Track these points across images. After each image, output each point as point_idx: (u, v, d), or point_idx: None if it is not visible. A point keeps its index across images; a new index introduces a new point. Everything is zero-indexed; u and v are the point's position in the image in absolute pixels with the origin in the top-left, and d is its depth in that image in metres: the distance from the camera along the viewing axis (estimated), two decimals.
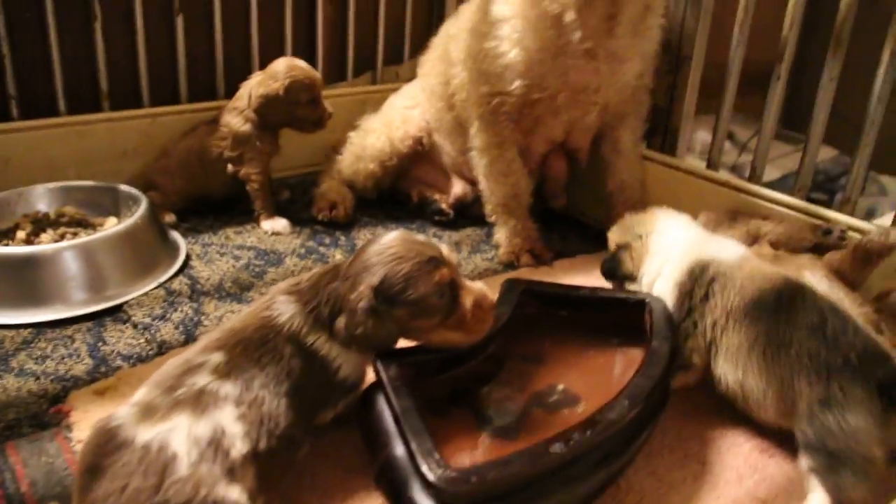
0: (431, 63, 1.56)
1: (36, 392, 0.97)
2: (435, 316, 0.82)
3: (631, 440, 0.82)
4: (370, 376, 0.86)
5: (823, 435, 0.81)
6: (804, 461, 0.82)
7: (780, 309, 0.91)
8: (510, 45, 1.27)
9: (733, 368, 0.92)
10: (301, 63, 1.48)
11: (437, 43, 1.57)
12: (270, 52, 1.73)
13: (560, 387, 0.92)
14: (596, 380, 0.95)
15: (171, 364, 0.78)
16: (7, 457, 0.84)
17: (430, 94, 1.56)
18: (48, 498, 0.79)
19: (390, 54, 1.99)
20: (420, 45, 1.99)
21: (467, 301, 0.83)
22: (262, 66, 1.58)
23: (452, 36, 1.46)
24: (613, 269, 1.10)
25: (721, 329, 0.94)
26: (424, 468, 0.67)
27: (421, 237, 0.84)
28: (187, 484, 0.67)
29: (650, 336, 0.93)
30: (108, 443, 0.69)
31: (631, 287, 1.08)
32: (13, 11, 1.43)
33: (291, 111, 1.47)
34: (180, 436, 0.69)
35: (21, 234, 1.29)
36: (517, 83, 1.30)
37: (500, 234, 1.43)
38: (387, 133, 1.60)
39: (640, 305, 0.99)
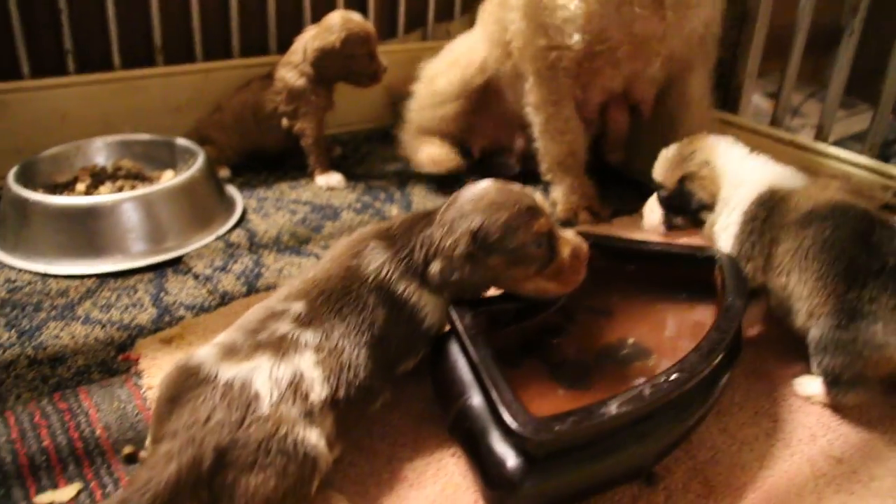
0: (491, 8, 1.50)
1: (103, 340, 0.97)
2: (531, 265, 0.81)
3: (705, 395, 0.81)
4: None
5: (842, 338, 0.85)
6: (814, 359, 0.88)
7: (829, 216, 0.92)
8: None
9: (783, 275, 0.94)
10: (356, 16, 1.46)
11: None
12: (322, 7, 1.71)
13: (630, 340, 0.90)
14: (666, 334, 0.93)
15: (254, 310, 0.79)
16: (80, 401, 0.85)
17: (489, 40, 1.50)
18: (122, 442, 0.79)
19: (441, 11, 1.95)
20: (471, 2, 1.96)
21: (564, 251, 0.82)
22: (314, 20, 1.57)
23: None
24: (685, 202, 1.04)
25: (777, 242, 0.96)
26: (507, 417, 0.66)
27: (515, 186, 0.83)
28: (268, 422, 0.67)
29: (721, 292, 0.91)
30: (189, 377, 0.70)
31: (706, 217, 1.03)
32: None
33: (347, 65, 1.45)
34: (262, 376, 0.70)
35: (80, 187, 1.30)
36: (577, 37, 1.25)
37: (557, 192, 1.40)
38: (455, 71, 1.54)
39: (709, 261, 0.96)
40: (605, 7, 1.21)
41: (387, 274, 0.80)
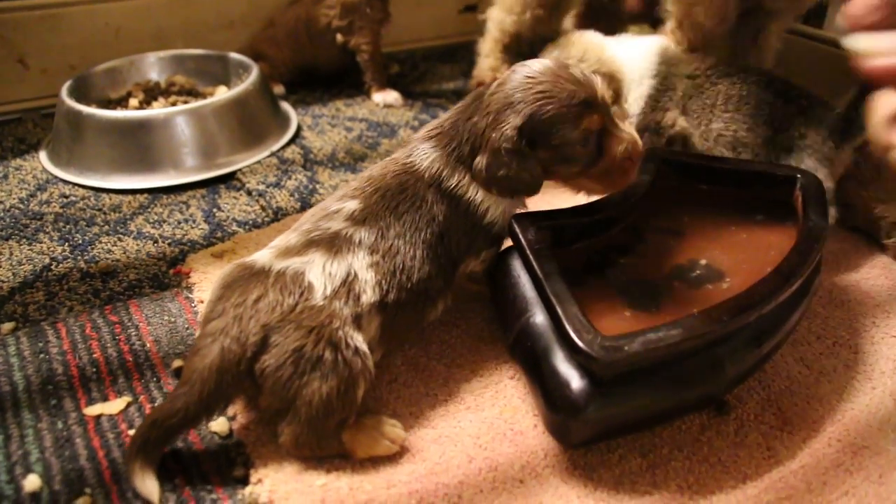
0: None
1: (155, 254, 0.96)
2: (577, 164, 0.75)
3: (782, 322, 0.75)
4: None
5: None
6: None
7: (734, 72, 1.02)
8: None
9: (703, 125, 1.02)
10: None
11: None
12: None
13: (702, 261, 0.84)
14: (740, 256, 0.87)
15: (310, 211, 0.76)
16: (131, 314, 0.83)
17: None
18: (172, 356, 0.78)
19: None
20: None
21: (615, 149, 0.76)
22: None
23: None
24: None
25: (688, 95, 1.04)
26: (573, 335, 0.61)
27: (577, 70, 0.75)
28: (322, 313, 0.64)
29: (802, 213, 0.84)
30: (243, 271, 0.68)
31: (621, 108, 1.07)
32: None
33: None
34: (316, 269, 0.67)
35: (134, 102, 1.27)
36: None
37: None
38: None
39: (788, 181, 0.90)
40: None
41: (439, 170, 0.75)
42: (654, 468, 0.67)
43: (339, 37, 1.43)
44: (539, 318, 0.70)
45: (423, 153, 0.76)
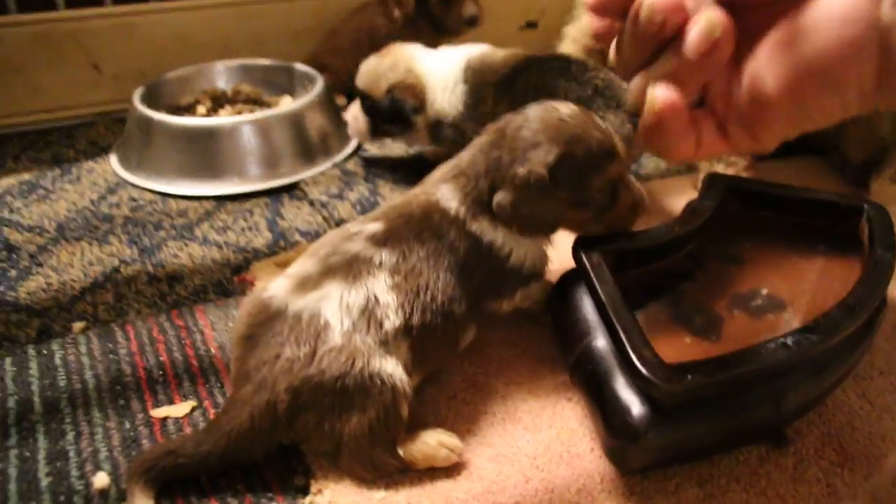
0: None
1: (220, 261, 0.98)
2: (591, 210, 0.74)
3: (846, 356, 0.74)
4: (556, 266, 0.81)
5: None
6: None
7: (530, 66, 1.07)
8: None
9: None
10: None
11: None
12: None
13: (764, 291, 0.84)
14: (802, 286, 0.86)
15: (329, 234, 0.75)
16: (196, 320, 0.86)
17: None
18: None
19: None
20: None
21: (627, 200, 0.75)
22: None
23: None
24: (397, 109, 1.11)
25: (497, 102, 1.07)
26: (637, 362, 0.61)
27: (597, 119, 0.75)
28: (341, 354, 0.64)
29: (868, 245, 0.83)
30: (260, 313, 0.68)
31: (417, 119, 1.12)
32: None
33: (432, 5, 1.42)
34: (332, 304, 0.66)
35: (201, 110, 1.30)
36: None
37: None
38: None
39: (854, 211, 0.88)
40: None
41: (460, 212, 0.74)
42: (710, 499, 0.66)
43: None
44: (601, 342, 0.70)
45: (444, 193, 0.75)
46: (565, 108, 0.73)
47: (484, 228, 0.74)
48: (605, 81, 1.01)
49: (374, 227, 0.72)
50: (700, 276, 0.86)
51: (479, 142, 0.77)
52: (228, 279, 0.94)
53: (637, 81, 0.48)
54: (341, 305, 0.66)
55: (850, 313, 0.71)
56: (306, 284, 0.68)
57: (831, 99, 0.43)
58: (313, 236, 1.03)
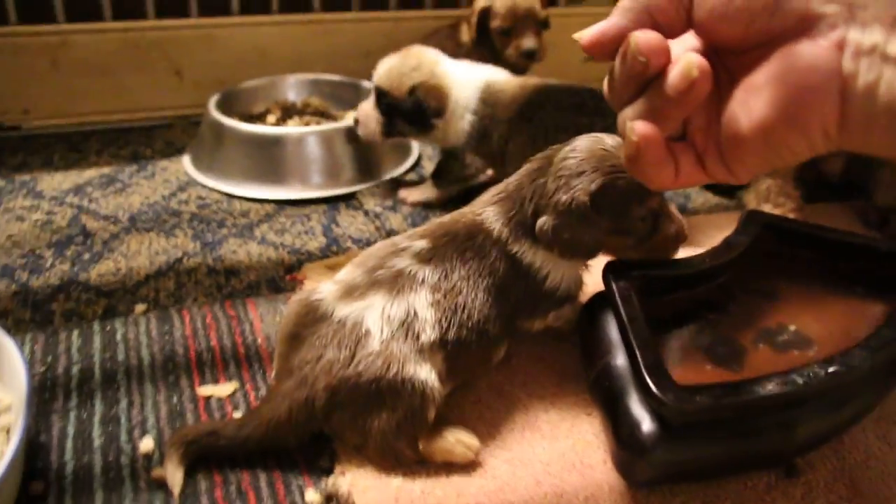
0: None
1: (274, 260, 1.04)
2: (631, 238, 0.78)
3: (864, 394, 0.76)
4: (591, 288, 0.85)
5: None
6: None
7: (545, 102, 1.11)
8: None
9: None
10: None
11: None
12: None
13: (792, 327, 0.85)
14: (832, 326, 0.87)
15: (378, 246, 0.80)
16: (247, 311, 0.92)
17: None
18: None
19: None
20: None
21: (668, 230, 0.78)
22: None
23: None
24: (418, 110, 1.11)
25: (506, 139, 1.12)
26: (648, 379, 0.65)
27: None
28: (378, 359, 0.69)
29: None
30: (308, 314, 0.73)
31: (437, 123, 1.13)
32: None
33: (498, 36, 1.46)
34: (374, 314, 0.71)
35: (271, 119, 1.38)
36: None
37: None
38: None
39: (893, 255, 0.90)
40: None
41: (503, 234, 0.78)
42: None
43: None
44: (620, 360, 0.73)
45: (489, 215, 0.79)
46: (610, 140, 0.77)
47: (525, 250, 0.78)
48: None
49: (421, 244, 0.77)
50: (730, 308, 0.88)
51: (527, 168, 0.81)
52: (281, 277, 1.00)
53: (623, 115, 0.53)
54: (383, 316, 0.71)
55: (868, 352, 0.73)
56: (353, 293, 0.74)
57: (798, 140, 0.47)
58: (364, 244, 1.09)
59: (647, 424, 0.67)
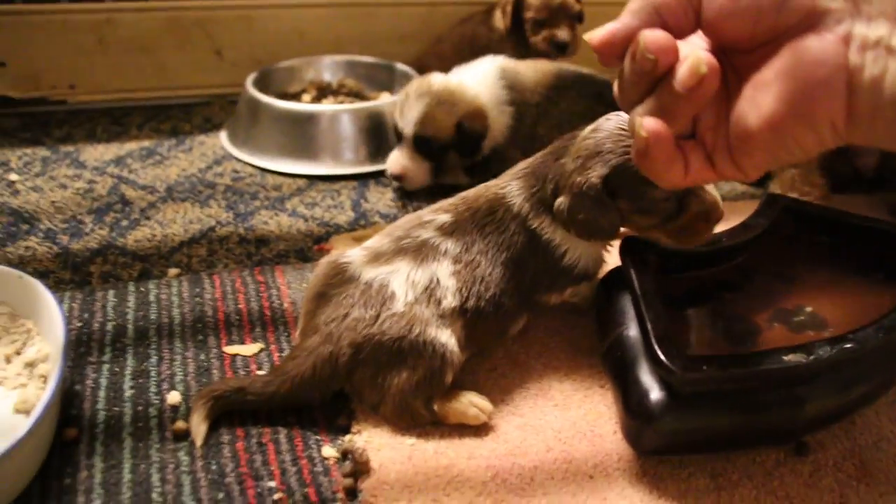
0: None
1: (304, 231, 1.07)
2: (655, 217, 0.77)
3: (875, 374, 0.76)
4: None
5: None
6: None
7: (572, 86, 1.16)
8: None
9: None
10: None
11: None
12: None
13: (808, 308, 0.86)
14: (849, 310, 0.87)
15: (405, 218, 0.83)
16: (275, 278, 0.95)
17: None
18: None
19: None
20: None
21: (695, 209, 0.77)
22: None
23: None
24: (474, 144, 1.11)
25: (537, 121, 1.15)
26: (657, 348, 0.66)
27: None
28: (402, 319, 0.72)
29: None
30: (336, 275, 0.76)
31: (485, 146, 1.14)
32: None
33: (532, 25, 1.46)
34: (399, 278, 0.74)
35: (306, 98, 1.41)
36: None
37: None
38: None
39: None
40: None
41: (524, 208, 0.80)
42: (720, 490, 0.70)
43: None
44: (632, 331, 0.75)
45: (512, 189, 0.82)
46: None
47: (544, 226, 0.80)
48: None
49: (444, 217, 0.80)
50: (746, 288, 0.89)
51: (553, 146, 0.84)
52: (309, 247, 1.03)
53: (633, 113, 0.54)
54: (407, 280, 0.75)
55: (880, 331, 0.74)
56: (379, 258, 0.77)
57: (806, 133, 0.48)
58: (391, 219, 1.11)
59: (655, 393, 0.69)
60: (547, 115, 1.13)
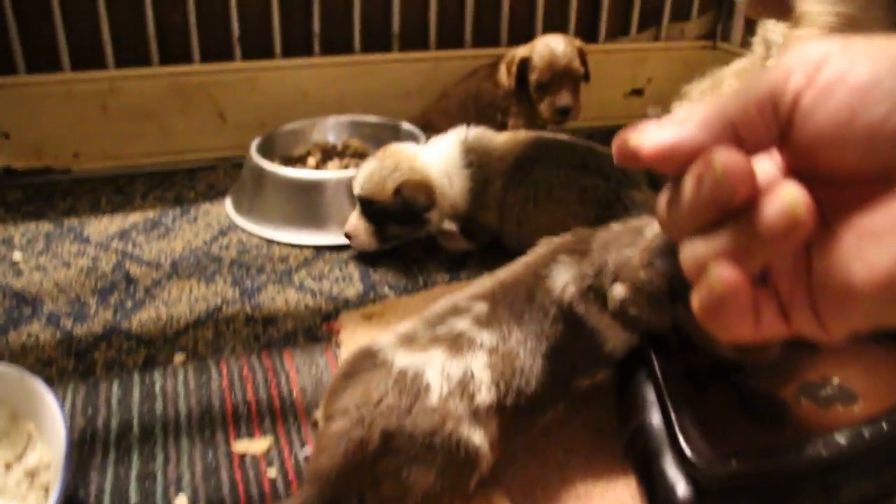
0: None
1: (312, 307, 1.05)
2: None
3: None
4: None
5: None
6: None
7: (544, 157, 1.13)
8: None
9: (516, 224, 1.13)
10: (557, 46, 1.43)
11: None
12: (557, 1, 1.73)
13: (835, 381, 0.83)
14: (878, 380, 0.85)
15: (440, 304, 0.80)
16: (284, 362, 0.92)
17: (761, 62, 1.33)
18: (314, 406, 0.85)
19: (677, 10, 1.89)
20: (708, 3, 1.89)
21: None
22: (546, 13, 1.61)
23: None
24: (410, 209, 1.11)
25: (505, 190, 1.13)
26: (683, 442, 0.64)
27: None
28: (435, 414, 0.68)
29: None
30: (366, 359, 0.73)
31: (432, 216, 1.13)
32: None
33: (535, 91, 1.45)
34: (435, 369, 0.71)
35: (311, 161, 1.40)
36: None
37: None
38: (719, 92, 1.38)
39: None
40: None
41: (571, 294, 0.78)
42: None
43: (499, 115, 1.51)
44: (655, 419, 0.72)
45: (559, 270, 0.79)
46: None
47: (591, 313, 0.78)
48: (625, 172, 1.08)
49: (481, 307, 0.77)
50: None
51: (616, 231, 0.81)
52: (318, 325, 1.01)
53: (694, 250, 0.43)
54: (443, 372, 0.71)
55: None
56: (413, 345, 0.74)
57: None
58: (401, 290, 1.09)
59: (682, 489, 0.66)
60: (519, 184, 1.12)
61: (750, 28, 1.83)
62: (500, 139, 1.17)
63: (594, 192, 1.08)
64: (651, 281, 0.73)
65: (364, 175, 1.14)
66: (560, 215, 1.08)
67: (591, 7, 1.79)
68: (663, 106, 1.69)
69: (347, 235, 1.17)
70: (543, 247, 0.84)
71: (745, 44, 1.83)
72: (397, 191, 1.11)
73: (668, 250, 0.73)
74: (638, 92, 1.87)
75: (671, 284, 0.73)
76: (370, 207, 1.13)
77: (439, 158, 1.14)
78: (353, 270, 1.15)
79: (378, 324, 0.99)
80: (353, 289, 1.10)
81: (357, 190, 1.14)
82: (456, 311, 0.77)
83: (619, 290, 0.75)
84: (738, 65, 1.43)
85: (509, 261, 0.84)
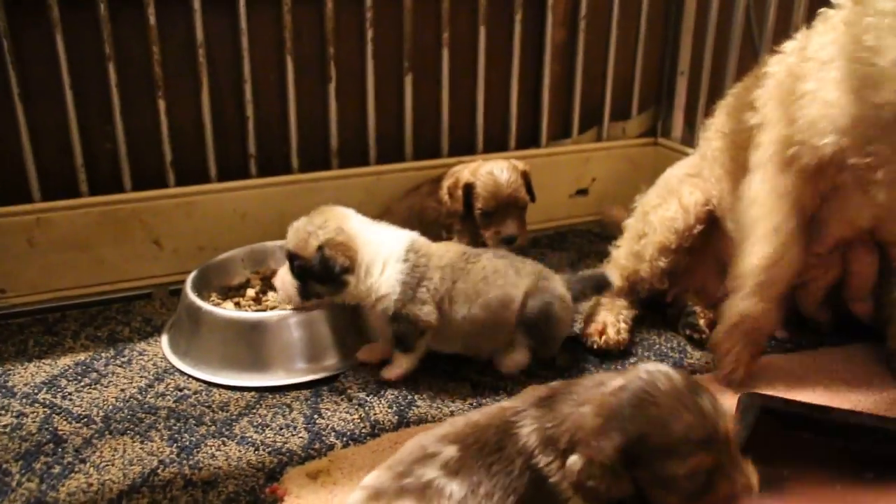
0: (720, 121, 1.33)
1: (255, 464, 0.99)
2: (677, 495, 0.72)
3: None
4: None
5: None
6: None
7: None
8: (834, 89, 1.02)
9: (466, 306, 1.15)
10: (500, 174, 1.41)
11: (731, 94, 1.34)
12: (496, 110, 1.74)
13: None
14: None
15: (407, 447, 0.78)
16: None
17: (712, 160, 1.33)
18: None
19: (617, 110, 1.91)
20: (647, 101, 1.92)
21: (723, 492, 0.71)
22: (486, 122, 1.62)
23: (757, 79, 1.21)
24: (327, 268, 1.11)
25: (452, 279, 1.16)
26: None
27: (706, 397, 0.71)
28: None
29: None
30: None
31: (349, 279, 1.13)
32: (259, 75, 1.51)
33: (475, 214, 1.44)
34: None
35: (251, 292, 1.35)
36: (830, 139, 1.02)
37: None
38: (676, 200, 1.34)
39: None
40: (881, 113, 0.97)
41: (534, 446, 0.75)
42: None
43: (443, 232, 1.48)
44: None
45: (525, 420, 0.76)
46: (664, 384, 0.72)
47: (553, 470, 0.74)
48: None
49: (450, 451, 0.74)
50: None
51: (583, 386, 0.78)
52: (261, 486, 0.95)
53: None
54: None
55: None
56: (380, 498, 0.72)
57: None
58: (349, 438, 1.04)
59: None
60: (465, 271, 1.16)
61: (690, 123, 1.87)
62: (438, 250, 1.19)
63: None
64: (603, 452, 0.70)
65: (292, 230, 1.17)
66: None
67: (532, 112, 1.81)
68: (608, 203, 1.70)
69: (274, 288, 1.21)
70: (524, 394, 0.81)
71: (686, 140, 1.86)
72: (319, 248, 1.11)
73: (621, 415, 0.71)
74: (583, 192, 1.87)
75: (625, 452, 0.70)
76: (294, 262, 1.15)
77: (375, 237, 1.17)
78: (297, 416, 1.09)
79: (325, 483, 0.94)
80: (297, 438, 1.04)
81: (286, 245, 1.17)
82: (425, 455, 0.74)
83: (575, 460, 0.72)
84: (683, 167, 1.45)
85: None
